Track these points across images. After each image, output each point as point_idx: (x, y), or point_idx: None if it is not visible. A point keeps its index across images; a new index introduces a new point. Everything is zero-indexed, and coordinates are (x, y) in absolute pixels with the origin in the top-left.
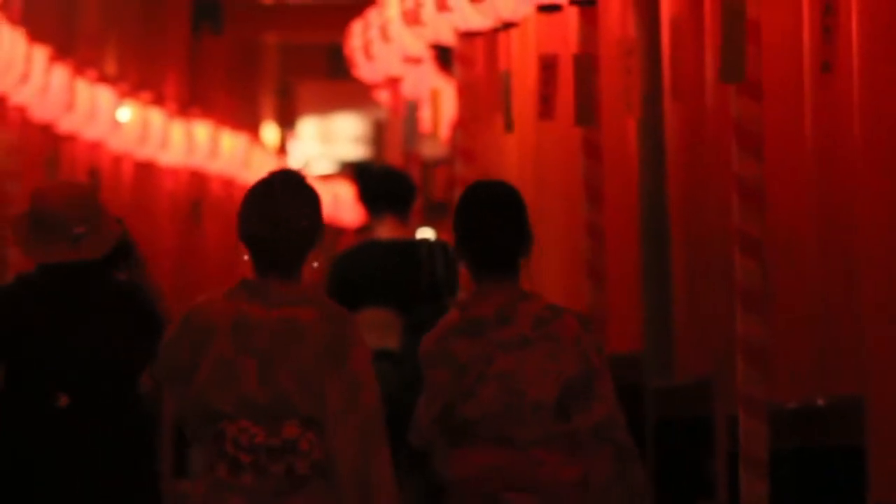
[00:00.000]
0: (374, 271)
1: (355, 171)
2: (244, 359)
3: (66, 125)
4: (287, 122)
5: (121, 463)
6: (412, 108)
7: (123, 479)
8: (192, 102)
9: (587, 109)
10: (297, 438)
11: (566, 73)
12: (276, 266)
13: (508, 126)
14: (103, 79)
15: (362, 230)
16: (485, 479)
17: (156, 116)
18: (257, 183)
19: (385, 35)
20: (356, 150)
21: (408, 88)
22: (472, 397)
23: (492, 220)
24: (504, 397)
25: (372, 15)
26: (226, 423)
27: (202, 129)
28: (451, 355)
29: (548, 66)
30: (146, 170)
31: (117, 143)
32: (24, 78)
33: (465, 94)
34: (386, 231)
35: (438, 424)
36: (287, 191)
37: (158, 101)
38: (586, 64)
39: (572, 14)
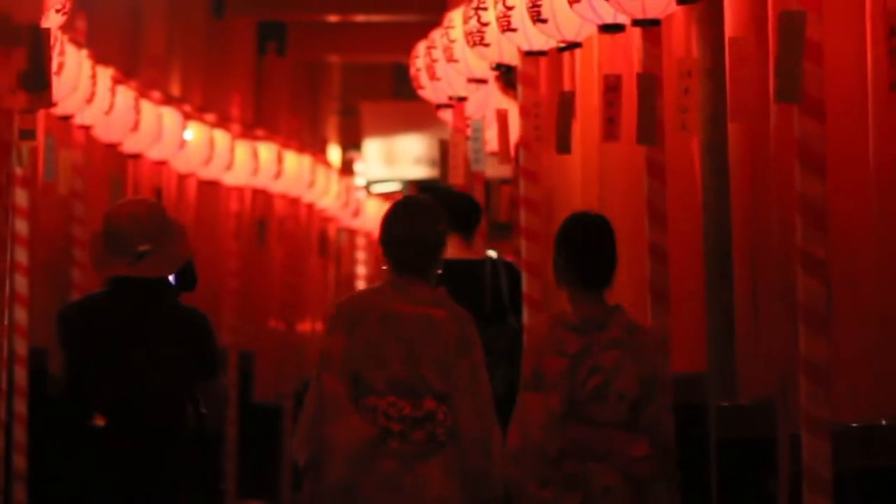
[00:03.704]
0: None
1: (419, 192)
2: (392, 344)
3: (130, 146)
4: (351, 142)
5: (170, 483)
6: (478, 128)
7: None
8: (256, 123)
9: (649, 129)
10: (435, 410)
11: (630, 93)
12: (414, 265)
13: (562, 148)
14: (168, 100)
15: None
16: (573, 449)
17: (220, 137)
18: (396, 203)
19: (449, 55)
20: (420, 171)
21: (472, 109)
22: (583, 386)
23: (597, 244)
24: (600, 387)
25: (436, 35)
26: (374, 399)
27: (267, 150)
28: (562, 344)
29: (612, 87)
30: (211, 190)
31: (182, 164)
32: (90, 99)
33: (529, 114)
34: (450, 251)
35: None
36: (422, 208)
37: (223, 122)
38: (649, 84)
39: (635, 34)
